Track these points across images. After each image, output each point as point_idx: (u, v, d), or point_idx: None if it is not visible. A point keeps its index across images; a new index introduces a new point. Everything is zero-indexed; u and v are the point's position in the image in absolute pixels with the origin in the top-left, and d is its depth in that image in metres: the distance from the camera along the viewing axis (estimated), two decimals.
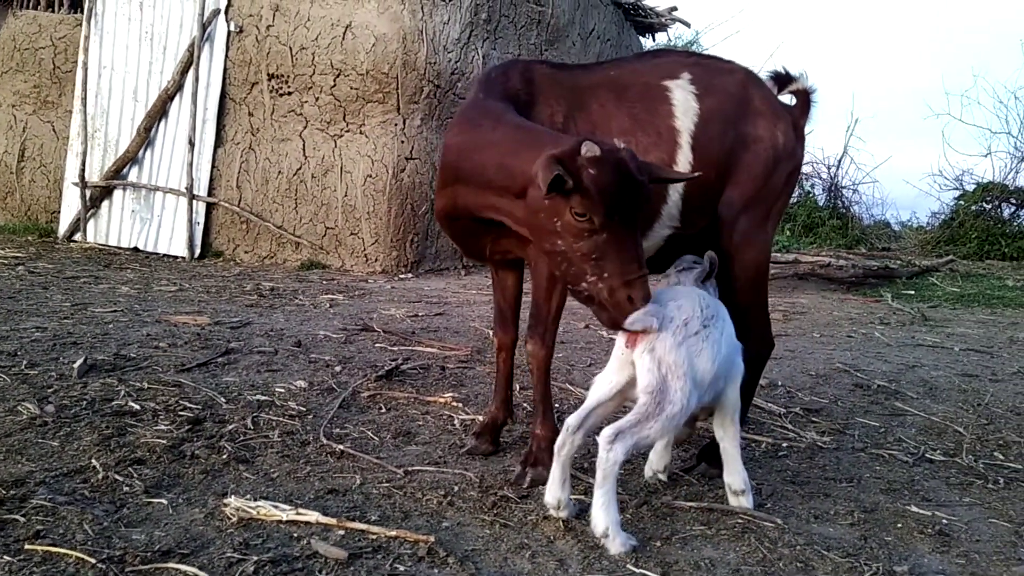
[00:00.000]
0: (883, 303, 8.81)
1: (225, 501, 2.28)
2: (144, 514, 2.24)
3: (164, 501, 2.33)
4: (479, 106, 2.71)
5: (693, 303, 2.35)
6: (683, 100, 2.87)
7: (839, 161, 17.39)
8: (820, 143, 33.18)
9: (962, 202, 17.13)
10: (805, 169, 17.39)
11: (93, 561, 1.92)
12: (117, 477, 2.47)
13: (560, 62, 2.92)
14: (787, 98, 3.26)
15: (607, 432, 2.18)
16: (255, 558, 1.99)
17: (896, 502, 2.73)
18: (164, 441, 2.79)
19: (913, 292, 9.79)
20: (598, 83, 2.87)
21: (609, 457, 2.15)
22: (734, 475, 2.55)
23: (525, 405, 3.69)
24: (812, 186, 17.47)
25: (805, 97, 3.23)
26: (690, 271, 2.69)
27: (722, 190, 2.95)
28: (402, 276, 8.43)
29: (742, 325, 3.00)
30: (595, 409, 2.33)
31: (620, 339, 2.32)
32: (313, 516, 2.21)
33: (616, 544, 2.16)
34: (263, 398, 3.43)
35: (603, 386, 2.33)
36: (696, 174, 2.71)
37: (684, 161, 2.83)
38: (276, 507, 2.25)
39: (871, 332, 6.73)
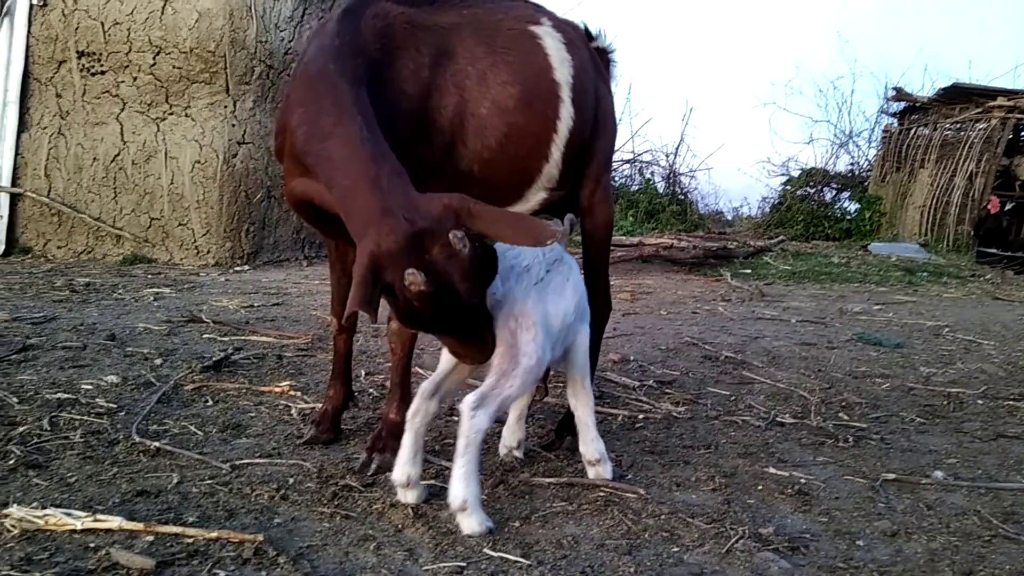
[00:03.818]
0: (723, 282, 9.09)
1: (5, 512, 1.90)
2: None
3: None
4: (324, 80, 2.18)
5: (533, 250, 2.17)
6: (556, 49, 2.65)
7: (676, 148, 18.00)
8: (658, 131, 34.31)
9: (788, 187, 18.20)
10: (645, 157, 17.89)
11: None
12: None
13: None
14: None
15: (470, 398, 1.99)
16: (37, 575, 1.65)
17: (754, 465, 2.68)
18: None
19: (750, 271, 10.18)
20: (457, 24, 2.51)
21: (473, 424, 1.96)
22: (588, 445, 2.40)
23: (371, 391, 3.44)
24: (652, 173, 17.98)
25: (605, 56, 3.15)
26: None
27: (591, 148, 2.82)
28: (238, 268, 7.88)
29: (592, 286, 2.86)
30: (450, 373, 2.12)
31: None
32: (115, 522, 1.87)
33: (472, 522, 1.96)
34: (65, 396, 2.99)
35: None
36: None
37: (567, 116, 2.63)
38: (68, 515, 1.89)
39: (714, 308, 6.88)
